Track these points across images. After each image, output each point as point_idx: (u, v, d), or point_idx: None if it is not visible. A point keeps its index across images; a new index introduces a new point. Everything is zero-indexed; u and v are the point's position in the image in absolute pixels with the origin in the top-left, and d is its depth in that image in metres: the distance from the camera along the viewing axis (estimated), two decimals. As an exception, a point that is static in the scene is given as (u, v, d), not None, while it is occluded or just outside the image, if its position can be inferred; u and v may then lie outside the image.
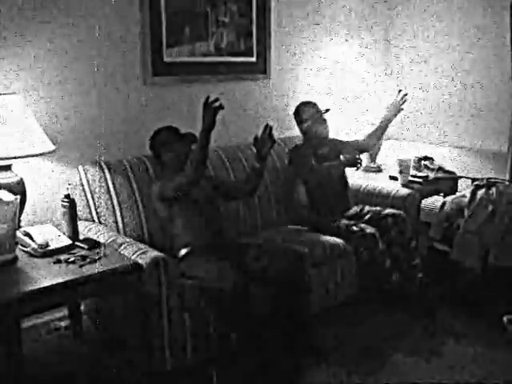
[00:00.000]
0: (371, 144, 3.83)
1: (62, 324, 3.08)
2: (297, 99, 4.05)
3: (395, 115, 3.74)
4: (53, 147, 2.75)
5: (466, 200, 3.63)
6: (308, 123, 3.57)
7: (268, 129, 2.99)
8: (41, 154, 2.71)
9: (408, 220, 3.52)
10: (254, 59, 3.79)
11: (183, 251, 2.92)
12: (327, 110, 3.59)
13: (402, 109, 3.73)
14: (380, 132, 3.80)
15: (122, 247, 2.64)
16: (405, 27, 4.54)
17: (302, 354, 2.86)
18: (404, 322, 3.30)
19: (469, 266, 3.50)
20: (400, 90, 3.75)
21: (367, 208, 3.63)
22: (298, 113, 3.62)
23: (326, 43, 4.25)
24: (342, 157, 3.48)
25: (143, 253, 2.56)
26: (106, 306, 2.88)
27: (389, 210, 3.53)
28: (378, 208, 3.59)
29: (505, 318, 3.18)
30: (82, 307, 2.91)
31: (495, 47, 4.01)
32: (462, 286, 3.60)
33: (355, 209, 3.67)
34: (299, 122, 3.62)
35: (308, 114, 3.57)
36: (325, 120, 3.57)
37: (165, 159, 3.02)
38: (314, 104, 3.62)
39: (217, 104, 2.61)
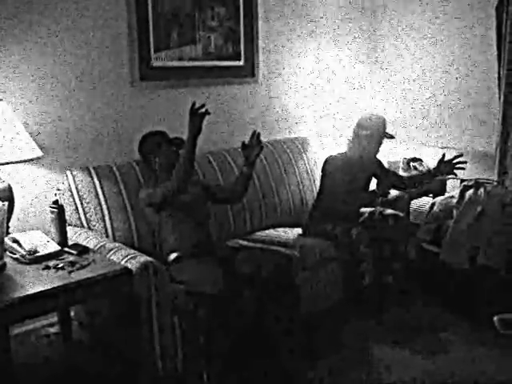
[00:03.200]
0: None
1: (52, 330, 3.06)
2: (285, 102, 4.08)
3: (438, 176, 3.52)
4: (40, 153, 2.74)
5: (455, 201, 3.65)
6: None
7: (256, 135, 3.01)
8: (28, 160, 2.70)
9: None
10: (241, 63, 3.79)
11: (173, 256, 2.92)
12: (391, 137, 3.54)
13: (455, 174, 3.41)
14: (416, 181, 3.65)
15: (112, 252, 2.63)
16: (391, 30, 4.55)
17: (292, 356, 2.86)
18: (392, 323, 3.31)
19: (458, 266, 3.52)
20: (458, 156, 3.35)
21: (367, 209, 3.64)
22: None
23: (314, 46, 4.26)
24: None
25: (132, 258, 2.55)
26: (96, 312, 2.87)
27: (390, 211, 3.55)
28: (379, 208, 3.61)
29: (495, 318, 3.20)
30: (72, 313, 2.90)
31: (482, 47, 4.04)
32: (452, 286, 3.61)
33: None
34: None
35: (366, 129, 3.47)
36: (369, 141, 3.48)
37: (153, 164, 3.02)
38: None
39: (203, 110, 2.64)
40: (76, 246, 2.63)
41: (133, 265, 2.49)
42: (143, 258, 2.54)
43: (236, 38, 3.73)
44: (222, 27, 3.64)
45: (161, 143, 3.02)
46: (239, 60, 3.78)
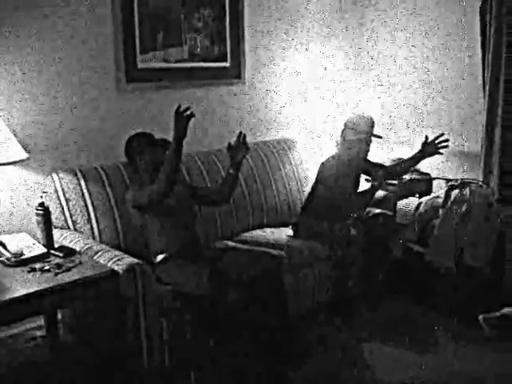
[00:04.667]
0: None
1: (39, 333, 3.04)
2: (272, 103, 4.09)
3: (424, 157, 3.53)
4: (26, 155, 2.73)
5: (440, 200, 3.68)
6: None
7: (242, 136, 3.01)
8: (14, 163, 2.69)
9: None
10: (228, 64, 3.80)
11: (159, 257, 2.92)
12: (380, 137, 3.55)
13: (440, 152, 3.46)
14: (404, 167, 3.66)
15: (98, 254, 2.62)
16: (377, 30, 4.57)
17: (280, 357, 2.87)
18: (380, 321, 3.33)
19: (444, 266, 3.54)
20: (440, 135, 3.43)
21: None
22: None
23: (301, 47, 4.27)
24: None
25: (119, 259, 2.55)
26: (83, 314, 2.86)
27: (379, 210, 3.57)
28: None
29: (480, 317, 3.23)
30: (59, 316, 2.89)
31: (467, 48, 4.06)
32: (438, 285, 3.64)
33: None
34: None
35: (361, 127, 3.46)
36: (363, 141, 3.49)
37: (139, 165, 3.03)
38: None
39: (188, 112, 2.64)
40: (62, 248, 2.62)
41: (119, 266, 2.49)
42: (129, 260, 2.54)
43: (222, 39, 3.73)
44: (208, 28, 3.65)
45: (146, 145, 3.02)
46: (225, 61, 3.78)
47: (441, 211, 3.61)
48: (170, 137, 2.71)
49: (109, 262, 2.54)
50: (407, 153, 4.26)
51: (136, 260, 2.56)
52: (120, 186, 3.08)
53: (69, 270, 2.40)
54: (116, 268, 2.47)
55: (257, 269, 2.87)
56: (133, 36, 3.31)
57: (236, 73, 3.86)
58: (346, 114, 4.13)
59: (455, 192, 3.66)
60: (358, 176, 3.56)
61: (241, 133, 3.03)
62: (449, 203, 3.61)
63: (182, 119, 2.64)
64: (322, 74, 4.38)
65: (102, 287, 2.41)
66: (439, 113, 4.29)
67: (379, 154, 4.27)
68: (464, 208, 3.57)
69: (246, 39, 3.88)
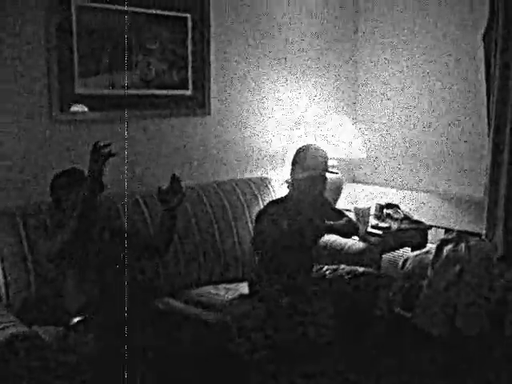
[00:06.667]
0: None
1: None
2: (243, 138, 3.61)
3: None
4: None
5: (431, 257, 3.12)
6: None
7: (175, 179, 2.58)
8: None
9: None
10: (189, 92, 3.32)
11: (75, 320, 2.45)
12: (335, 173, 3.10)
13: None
14: None
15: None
16: (370, 66, 4.09)
17: None
18: None
19: (434, 333, 2.97)
20: None
21: (327, 267, 3.10)
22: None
23: (280, 74, 3.78)
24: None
25: (3, 329, 2.07)
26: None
27: (362, 269, 3.02)
28: (343, 266, 3.08)
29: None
30: None
31: (470, 84, 3.55)
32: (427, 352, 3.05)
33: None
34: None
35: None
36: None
37: (64, 206, 2.58)
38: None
39: (106, 150, 2.28)
40: None
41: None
42: (13, 330, 2.06)
43: (182, 63, 3.27)
44: (165, 50, 3.18)
45: (75, 183, 2.58)
46: (186, 89, 3.31)
47: (429, 271, 3.04)
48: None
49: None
50: (401, 199, 3.76)
51: (25, 329, 2.09)
52: (39, 231, 2.61)
53: None
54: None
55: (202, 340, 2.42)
56: (70, 56, 2.87)
57: (200, 102, 3.38)
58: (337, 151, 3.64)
59: (448, 248, 3.10)
60: (320, 228, 3.02)
61: (174, 175, 2.59)
62: (440, 261, 3.05)
63: (99, 158, 2.27)
64: (304, 108, 3.89)
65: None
66: (440, 155, 3.74)
67: (366, 199, 3.75)
68: (457, 268, 3.00)
69: (213, 63, 3.39)
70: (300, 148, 3.01)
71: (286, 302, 2.78)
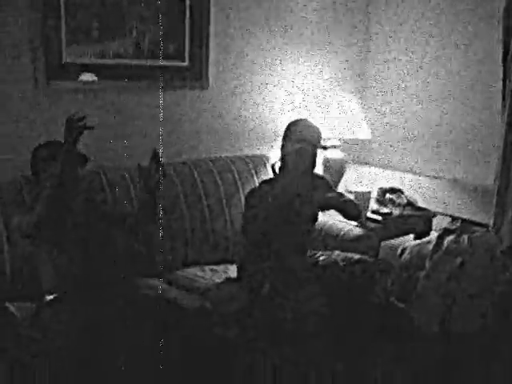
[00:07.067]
0: None
1: None
2: (242, 113, 3.45)
3: None
4: None
5: (430, 247, 2.95)
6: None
7: (156, 156, 2.45)
8: None
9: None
10: (185, 63, 3.17)
11: (48, 298, 2.38)
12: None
13: None
14: None
15: None
16: (380, 49, 3.87)
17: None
18: None
19: (426, 329, 2.83)
20: None
21: (321, 253, 2.95)
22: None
23: (285, 49, 3.58)
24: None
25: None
26: None
27: (358, 256, 2.86)
28: (338, 252, 2.92)
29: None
30: None
31: (485, 66, 3.32)
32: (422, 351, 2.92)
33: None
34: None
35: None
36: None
37: (42, 179, 2.48)
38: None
39: (80, 124, 2.20)
40: None
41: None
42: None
43: (179, 32, 3.11)
44: (160, 19, 3.03)
45: (54, 155, 2.46)
46: (182, 60, 3.16)
47: (427, 263, 2.88)
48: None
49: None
50: (410, 182, 3.59)
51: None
52: (15, 206, 2.53)
53: None
54: None
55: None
56: (57, 22, 2.74)
57: (197, 74, 3.22)
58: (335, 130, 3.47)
59: (450, 239, 2.92)
60: (315, 207, 2.85)
61: (155, 150, 2.46)
62: (439, 253, 2.89)
63: (73, 131, 2.19)
64: (309, 84, 3.70)
65: None
66: (449, 139, 3.54)
67: (367, 182, 3.58)
68: (458, 261, 2.84)
69: (212, 33, 3.22)
70: (290, 122, 2.85)
71: (268, 286, 2.65)
